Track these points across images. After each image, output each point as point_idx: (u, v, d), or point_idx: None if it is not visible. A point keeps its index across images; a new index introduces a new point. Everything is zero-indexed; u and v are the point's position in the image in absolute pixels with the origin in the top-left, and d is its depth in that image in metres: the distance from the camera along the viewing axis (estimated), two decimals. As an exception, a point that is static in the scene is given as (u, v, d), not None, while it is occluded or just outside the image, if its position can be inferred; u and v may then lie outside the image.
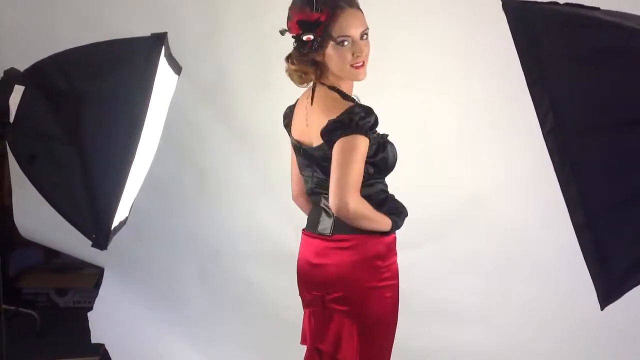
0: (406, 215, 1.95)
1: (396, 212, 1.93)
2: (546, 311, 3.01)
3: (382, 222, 1.87)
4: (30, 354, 3.46)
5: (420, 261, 2.93)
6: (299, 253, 2.00)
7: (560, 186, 1.18)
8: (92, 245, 1.43)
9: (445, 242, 3.01)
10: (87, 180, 1.35)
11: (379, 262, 1.86)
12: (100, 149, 1.35)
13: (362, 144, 1.77)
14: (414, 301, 2.53)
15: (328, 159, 1.82)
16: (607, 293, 1.17)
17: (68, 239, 2.64)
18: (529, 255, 3.00)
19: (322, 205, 1.92)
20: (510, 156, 2.99)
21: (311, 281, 1.94)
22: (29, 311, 4.37)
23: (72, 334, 2.82)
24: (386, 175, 1.96)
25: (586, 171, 1.17)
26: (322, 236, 1.90)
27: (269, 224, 3.00)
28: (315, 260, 1.91)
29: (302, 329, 2.01)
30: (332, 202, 1.79)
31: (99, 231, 1.39)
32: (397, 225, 1.91)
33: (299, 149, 1.96)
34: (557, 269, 2.98)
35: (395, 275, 1.92)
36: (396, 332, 1.96)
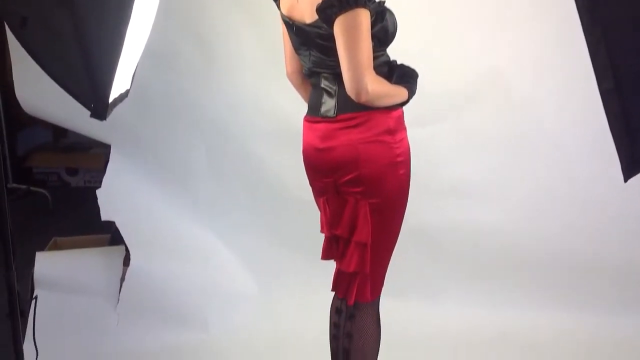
0: (417, 76, 1.89)
1: (407, 77, 1.86)
2: (560, 190, 2.98)
3: (400, 94, 1.82)
4: (43, 231, 3.53)
5: (434, 138, 2.88)
6: (303, 142, 1.94)
7: (589, 49, 1.09)
8: (91, 115, 1.38)
9: (461, 118, 2.92)
10: (81, 44, 1.27)
11: (389, 138, 1.80)
12: (93, 10, 1.27)
13: (364, 17, 1.66)
14: (426, 179, 2.49)
15: (325, 37, 1.73)
16: (632, 164, 1.11)
17: (72, 115, 2.57)
18: (545, 132, 2.94)
19: (322, 86, 1.84)
20: (529, 28, 2.86)
21: (320, 168, 1.88)
22: (41, 190, 4.44)
23: (84, 213, 2.84)
24: (387, 45, 1.86)
25: (618, 32, 1.07)
26: (326, 119, 1.83)
27: (280, 100, 2.92)
28: (322, 145, 1.84)
29: (320, 218, 1.98)
30: (349, 87, 1.70)
31: (97, 100, 1.34)
32: (412, 91, 1.85)
33: (291, 25, 1.85)
34: (574, 147, 2.94)
35: (406, 152, 1.87)
36: (408, 210, 1.94)
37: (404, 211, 1.93)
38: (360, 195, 1.82)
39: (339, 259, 1.95)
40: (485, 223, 3.03)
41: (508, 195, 3.02)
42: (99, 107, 1.36)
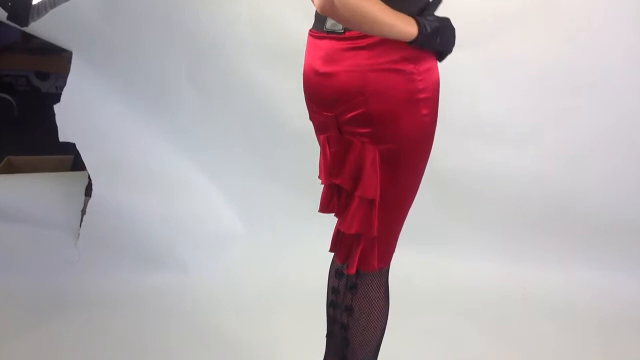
0: (451, 32, 1.43)
1: (435, 22, 1.39)
2: (597, 135, 2.61)
3: (398, 24, 1.32)
4: (4, 144, 3.23)
5: (460, 68, 2.39)
6: (304, 61, 1.54)
7: None
8: (8, 18, 1.07)
9: (496, 45, 2.49)
10: None
11: (411, 67, 1.37)
12: None
13: None
14: (449, 115, 2.09)
15: None
16: None
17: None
18: (590, 67, 2.52)
19: None
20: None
21: (321, 97, 1.48)
22: (4, 95, 4.02)
23: (52, 125, 2.46)
24: None
25: None
26: (332, 35, 1.41)
27: (280, 6, 2.47)
28: (324, 69, 1.43)
29: (319, 160, 1.61)
30: None
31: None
32: (424, 30, 1.35)
33: None
34: (621, 87, 2.54)
35: (434, 87, 1.45)
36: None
37: (426, 162, 1.52)
38: (367, 138, 1.42)
39: (339, 214, 1.56)
40: (515, 169, 2.68)
41: (543, 140, 2.64)
42: (19, 8, 0.97)
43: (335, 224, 1.64)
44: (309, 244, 2.52)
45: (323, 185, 1.62)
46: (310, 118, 1.61)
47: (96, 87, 2.47)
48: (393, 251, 1.60)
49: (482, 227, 2.79)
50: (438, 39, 1.38)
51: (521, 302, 2.61)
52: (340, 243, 1.59)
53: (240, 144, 2.75)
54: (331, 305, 1.73)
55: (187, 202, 2.71)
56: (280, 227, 2.78)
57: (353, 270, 1.55)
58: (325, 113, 1.48)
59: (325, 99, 1.47)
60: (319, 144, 1.63)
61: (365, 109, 1.40)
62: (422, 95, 1.41)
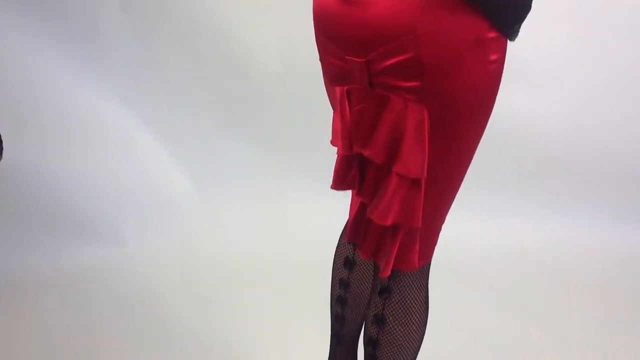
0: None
1: None
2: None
3: None
4: None
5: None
6: None
7: None
8: None
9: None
10: None
11: None
12: None
13: None
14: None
15: None
16: None
17: None
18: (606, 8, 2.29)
19: None
20: None
21: (346, 35, 1.07)
22: None
23: None
24: None
25: None
26: None
27: None
28: None
29: (333, 121, 1.20)
30: None
31: None
32: None
33: None
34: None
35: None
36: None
37: (485, 128, 1.13)
38: (413, 94, 1.03)
39: (365, 197, 1.17)
40: (536, 115, 2.48)
41: (570, 84, 2.39)
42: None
43: (350, 213, 1.29)
44: (279, 212, 2.15)
45: (337, 157, 1.22)
46: (322, 59, 1.20)
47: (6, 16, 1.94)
48: (436, 243, 1.23)
49: (478, 183, 2.51)
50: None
51: (520, 258, 2.41)
52: (366, 233, 1.21)
53: (192, 93, 2.35)
54: (339, 301, 1.41)
55: (124, 162, 2.31)
56: (244, 192, 2.38)
57: (388, 272, 1.16)
58: (351, 58, 1.07)
59: (353, 38, 1.05)
60: (330, 99, 1.25)
61: (415, 54, 0.99)
62: (491, 34, 1.02)
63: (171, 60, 2.31)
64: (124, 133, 2.32)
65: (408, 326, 1.21)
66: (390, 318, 1.21)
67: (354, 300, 1.41)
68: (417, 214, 1.09)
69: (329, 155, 2.47)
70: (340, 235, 1.44)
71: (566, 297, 2.20)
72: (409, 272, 1.19)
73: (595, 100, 2.43)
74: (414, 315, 1.21)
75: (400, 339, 1.21)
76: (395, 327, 1.21)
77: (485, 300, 2.14)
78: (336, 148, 1.21)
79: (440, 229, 1.19)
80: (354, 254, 1.39)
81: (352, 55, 1.07)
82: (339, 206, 1.96)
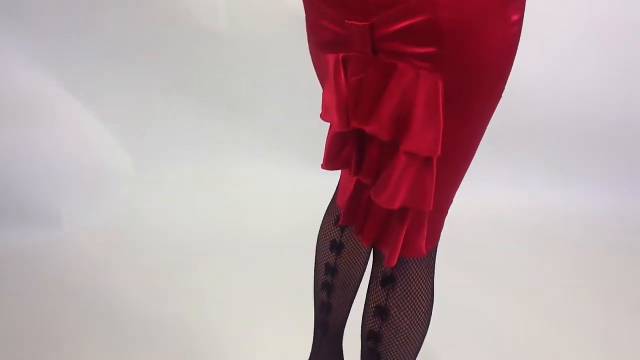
0: None
1: None
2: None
3: None
4: None
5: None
6: None
7: None
8: None
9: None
10: None
11: None
12: None
13: None
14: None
15: None
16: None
17: None
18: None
19: None
20: None
21: None
22: None
23: None
24: None
25: None
26: None
27: None
28: None
29: (323, 95, 1.07)
30: None
31: None
32: None
33: None
34: None
35: None
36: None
37: (500, 97, 1.02)
38: (427, 62, 0.90)
39: (366, 177, 1.04)
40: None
41: (549, 45, 2.29)
42: None
43: (339, 179, 1.21)
44: (228, 185, 1.97)
45: (329, 132, 1.08)
46: (311, 28, 1.06)
47: None
48: (443, 225, 1.12)
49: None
50: None
51: (496, 225, 2.34)
52: (366, 217, 1.08)
53: (126, 60, 2.05)
54: (324, 288, 1.29)
55: (56, 136, 2.00)
56: (188, 167, 2.17)
57: (394, 262, 1.04)
58: (352, 22, 0.93)
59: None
60: (318, 68, 1.12)
61: (431, 16, 0.87)
62: (518, 3, 0.91)
63: (107, 20, 2.06)
64: (53, 102, 2.06)
65: (414, 317, 1.10)
66: (395, 310, 1.09)
67: (341, 287, 1.30)
68: (428, 197, 0.97)
69: (279, 122, 2.32)
70: (325, 216, 1.31)
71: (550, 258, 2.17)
72: (415, 259, 1.08)
73: (573, 62, 2.37)
74: (421, 306, 1.10)
75: (406, 331, 1.10)
76: (400, 319, 1.10)
77: (460, 265, 2.07)
78: (325, 123, 1.07)
79: (448, 210, 1.08)
80: (341, 236, 1.27)
81: (353, 18, 0.94)
82: (298, 177, 1.82)
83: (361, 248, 1.29)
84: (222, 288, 1.85)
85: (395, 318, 1.10)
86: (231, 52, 2.15)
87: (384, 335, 1.11)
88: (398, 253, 1.02)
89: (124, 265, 1.94)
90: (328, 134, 1.08)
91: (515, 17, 0.92)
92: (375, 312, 1.11)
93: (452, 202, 1.08)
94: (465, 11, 0.87)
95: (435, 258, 1.12)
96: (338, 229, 1.27)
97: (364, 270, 1.30)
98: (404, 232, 1.01)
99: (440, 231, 1.10)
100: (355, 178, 1.07)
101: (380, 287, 1.10)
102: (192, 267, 1.95)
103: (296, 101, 2.28)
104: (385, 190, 0.98)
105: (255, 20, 2.12)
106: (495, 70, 0.95)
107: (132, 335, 1.64)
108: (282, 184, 2.30)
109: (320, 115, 1.10)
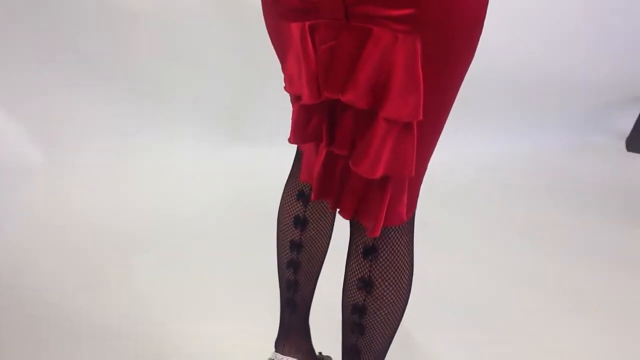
0: None
1: None
2: None
3: None
4: None
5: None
6: None
7: None
8: None
9: None
10: None
11: None
12: None
13: None
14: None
15: None
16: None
17: None
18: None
19: None
20: None
21: None
22: None
23: None
24: None
25: None
26: None
27: None
28: None
29: (285, 69, 1.03)
30: None
31: None
32: None
33: None
34: None
35: None
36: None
37: (473, 56, 1.01)
38: (405, 25, 0.87)
39: (341, 148, 1.00)
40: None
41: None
42: None
43: (303, 153, 1.15)
44: (148, 175, 1.87)
45: (294, 105, 1.03)
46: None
47: None
48: (419, 189, 1.10)
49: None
50: None
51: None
52: (342, 189, 1.04)
53: (33, 44, 1.87)
54: (291, 266, 1.26)
55: None
56: (101, 156, 2.02)
57: (378, 232, 1.02)
58: None
59: None
60: (277, 39, 1.07)
61: None
62: None
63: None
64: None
65: (398, 286, 1.08)
66: (379, 280, 1.07)
67: (307, 262, 1.26)
68: (409, 163, 0.94)
69: (192, 104, 2.20)
70: (284, 193, 1.26)
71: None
72: (396, 227, 1.06)
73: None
74: (404, 274, 1.08)
75: (391, 301, 1.09)
76: (385, 289, 1.08)
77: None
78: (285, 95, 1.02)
79: (425, 173, 1.06)
80: (305, 211, 1.22)
81: None
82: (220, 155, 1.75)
83: (326, 221, 1.25)
84: (162, 279, 1.75)
85: (380, 289, 1.07)
86: (142, 35, 2.02)
87: (369, 308, 1.09)
88: (382, 222, 0.99)
89: (33, 267, 1.77)
90: (294, 107, 1.02)
91: None
92: (359, 285, 1.08)
93: (427, 165, 1.06)
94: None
95: (414, 224, 1.10)
96: (301, 203, 1.23)
97: (329, 242, 1.27)
98: (387, 200, 0.98)
99: (418, 195, 1.09)
100: (325, 150, 1.02)
101: (362, 259, 1.07)
102: (127, 260, 1.83)
103: (208, 85, 2.19)
104: (366, 160, 0.94)
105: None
106: (469, 29, 0.93)
107: (58, 333, 1.51)
108: (203, 164, 2.21)
109: (285, 87, 1.04)
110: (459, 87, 0.99)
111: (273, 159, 2.09)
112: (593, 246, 2.00)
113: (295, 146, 1.21)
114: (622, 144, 2.71)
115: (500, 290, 1.77)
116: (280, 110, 2.16)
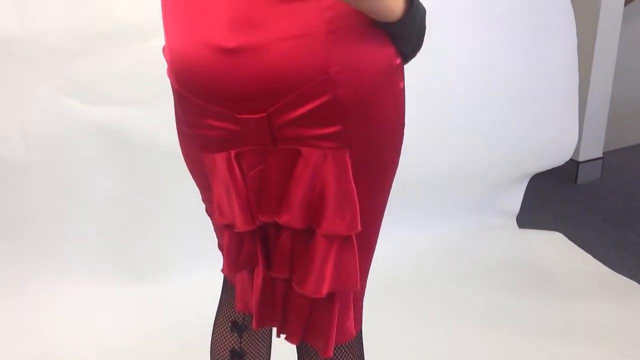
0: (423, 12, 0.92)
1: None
2: None
3: None
4: None
5: None
6: (167, 31, 0.93)
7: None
8: None
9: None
10: None
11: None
12: None
13: None
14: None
15: None
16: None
17: None
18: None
19: None
20: None
21: (235, 90, 0.87)
22: None
23: None
24: None
25: None
26: None
27: None
28: (237, 41, 0.84)
29: (214, 198, 0.99)
30: None
31: None
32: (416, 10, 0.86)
33: None
34: None
35: None
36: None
37: (399, 157, 1.02)
38: (334, 142, 0.89)
39: (280, 271, 0.97)
40: None
41: None
42: None
43: (235, 280, 1.07)
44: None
45: (224, 234, 0.99)
46: (190, 129, 0.96)
47: None
48: (363, 300, 1.07)
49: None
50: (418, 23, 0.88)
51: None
52: (286, 313, 1.00)
53: None
54: None
55: None
56: None
57: (331, 352, 0.97)
58: (245, 115, 0.87)
59: (248, 93, 0.85)
60: (197, 172, 1.04)
61: (333, 95, 0.85)
62: (397, 61, 0.93)
63: None
64: None
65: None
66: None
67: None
68: (354, 275, 0.93)
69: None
70: (215, 326, 1.18)
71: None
72: (346, 343, 1.02)
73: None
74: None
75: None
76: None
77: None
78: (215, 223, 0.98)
79: (366, 283, 1.04)
80: (241, 342, 1.16)
81: (245, 112, 0.87)
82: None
83: (263, 350, 1.19)
84: None
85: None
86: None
87: None
88: (333, 342, 0.95)
89: None
90: (224, 236, 0.98)
91: (402, 85, 0.94)
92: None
93: (368, 273, 1.05)
94: (364, 84, 0.87)
95: (362, 336, 1.07)
96: (236, 335, 1.16)
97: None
98: (335, 317, 0.95)
99: (362, 307, 1.06)
100: (261, 275, 0.98)
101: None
102: None
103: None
104: (310, 279, 0.91)
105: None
106: (392, 135, 0.95)
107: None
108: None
109: (214, 218, 1.00)
110: (390, 187, 1.00)
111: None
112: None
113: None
114: (514, 222, 2.85)
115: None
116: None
